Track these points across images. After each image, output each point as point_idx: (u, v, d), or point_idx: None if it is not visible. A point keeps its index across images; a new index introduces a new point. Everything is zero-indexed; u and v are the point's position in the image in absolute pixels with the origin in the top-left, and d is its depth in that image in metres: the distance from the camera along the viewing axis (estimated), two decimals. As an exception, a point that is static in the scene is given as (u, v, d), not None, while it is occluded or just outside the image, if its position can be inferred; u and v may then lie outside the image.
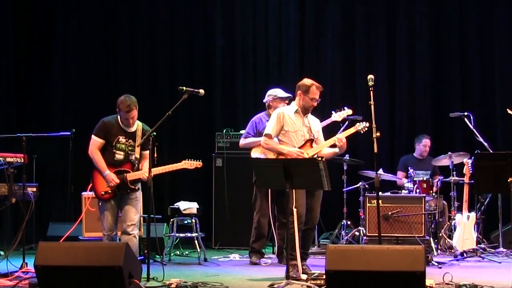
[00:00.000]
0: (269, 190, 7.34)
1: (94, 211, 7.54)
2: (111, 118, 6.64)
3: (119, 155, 6.57)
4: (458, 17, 10.16)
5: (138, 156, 6.59)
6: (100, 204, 6.59)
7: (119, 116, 6.58)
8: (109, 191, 6.51)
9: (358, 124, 6.98)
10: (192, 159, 6.81)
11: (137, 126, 6.62)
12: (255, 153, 7.67)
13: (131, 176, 6.54)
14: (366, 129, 6.86)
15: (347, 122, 7.98)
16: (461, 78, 10.12)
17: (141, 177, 6.52)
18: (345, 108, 7.82)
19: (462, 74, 10.13)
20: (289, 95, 7.68)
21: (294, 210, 6.03)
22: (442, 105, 10.06)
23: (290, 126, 6.71)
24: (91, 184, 6.72)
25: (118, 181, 6.48)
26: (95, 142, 6.56)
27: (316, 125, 6.87)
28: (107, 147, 6.57)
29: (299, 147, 6.68)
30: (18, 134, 7.37)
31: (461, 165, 8.44)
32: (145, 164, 6.48)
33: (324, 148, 6.75)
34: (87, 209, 7.72)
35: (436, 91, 10.17)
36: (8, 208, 7.16)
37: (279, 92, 7.83)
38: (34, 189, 7.15)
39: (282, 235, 6.85)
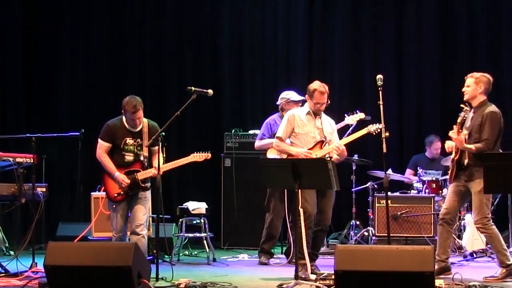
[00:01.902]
0: (285, 191, 7.24)
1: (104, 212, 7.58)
2: (116, 120, 6.59)
3: (129, 157, 6.56)
4: (466, 16, 10.13)
5: (146, 154, 6.58)
6: (114, 206, 6.57)
7: (124, 117, 6.53)
8: (122, 193, 6.51)
9: (370, 125, 6.93)
10: (200, 151, 6.77)
11: (143, 123, 6.56)
12: (271, 154, 7.64)
13: (141, 175, 6.53)
14: (378, 130, 6.80)
15: (355, 123, 7.96)
16: (470, 78, 10.07)
17: (151, 174, 6.51)
18: (358, 111, 7.80)
19: (471, 74, 10.09)
20: (303, 98, 7.65)
21: (301, 210, 6.03)
22: (451, 105, 10.00)
23: (300, 128, 6.74)
24: (103, 188, 6.73)
25: (128, 181, 6.48)
26: (102, 146, 6.55)
27: (329, 126, 6.86)
28: (115, 150, 6.54)
29: (309, 149, 6.69)
30: (28, 135, 7.41)
31: (470, 165, 8.40)
32: (158, 158, 6.40)
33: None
34: (100, 211, 7.74)
35: (445, 90, 10.13)
36: (18, 208, 7.16)
37: (292, 95, 7.80)
38: (44, 189, 7.16)
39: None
